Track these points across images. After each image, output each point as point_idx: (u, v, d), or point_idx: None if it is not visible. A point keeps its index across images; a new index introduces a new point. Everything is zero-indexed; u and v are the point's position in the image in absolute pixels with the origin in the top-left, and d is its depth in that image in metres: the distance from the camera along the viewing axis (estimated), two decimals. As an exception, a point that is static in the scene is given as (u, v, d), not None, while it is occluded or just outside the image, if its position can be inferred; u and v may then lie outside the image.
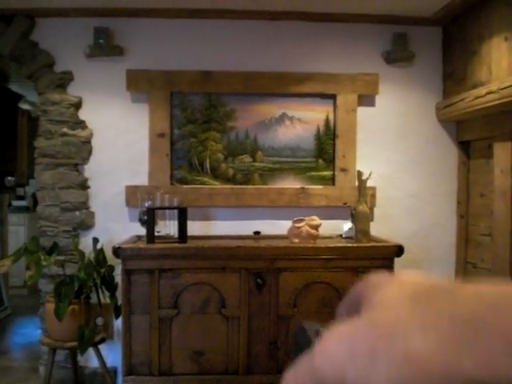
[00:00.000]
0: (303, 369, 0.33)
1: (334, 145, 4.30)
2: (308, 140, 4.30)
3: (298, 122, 4.29)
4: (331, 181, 4.31)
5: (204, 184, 4.25)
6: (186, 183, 4.23)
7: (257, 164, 4.30)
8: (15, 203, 8.34)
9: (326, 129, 4.30)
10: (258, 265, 3.54)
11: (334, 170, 4.30)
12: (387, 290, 0.35)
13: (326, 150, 4.31)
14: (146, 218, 3.72)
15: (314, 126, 4.29)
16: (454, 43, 4.21)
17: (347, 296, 0.41)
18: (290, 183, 4.30)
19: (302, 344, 0.40)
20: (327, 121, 4.29)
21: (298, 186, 4.25)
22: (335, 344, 0.32)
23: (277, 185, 4.29)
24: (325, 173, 4.31)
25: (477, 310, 0.29)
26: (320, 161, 4.31)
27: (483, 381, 0.27)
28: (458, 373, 0.28)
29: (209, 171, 4.27)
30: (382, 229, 4.21)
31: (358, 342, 0.31)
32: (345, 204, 4.16)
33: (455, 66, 4.18)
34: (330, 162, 4.31)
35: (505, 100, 3.33)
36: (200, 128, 4.24)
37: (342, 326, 0.33)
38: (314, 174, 4.31)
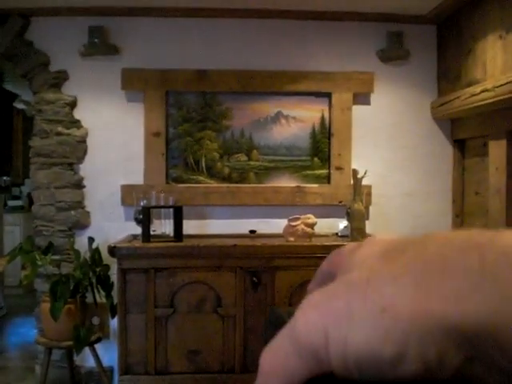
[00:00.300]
0: (283, 342, 0.33)
1: (329, 143, 4.30)
2: (303, 138, 4.30)
3: (294, 121, 4.29)
4: (326, 179, 4.31)
5: (199, 183, 4.25)
6: (182, 182, 4.23)
7: (252, 163, 4.30)
8: (11, 203, 8.33)
9: (321, 127, 4.30)
10: (254, 263, 3.54)
11: (329, 169, 4.30)
12: (359, 253, 0.35)
13: (322, 148, 4.31)
14: (141, 217, 3.72)
15: (310, 125, 4.30)
16: (448, 41, 4.22)
17: (317, 272, 0.42)
18: (286, 182, 4.30)
19: (276, 325, 0.39)
20: (322, 119, 4.29)
21: (294, 185, 4.25)
22: (314, 310, 0.32)
23: (272, 183, 4.29)
24: (320, 171, 4.32)
25: (444, 253, 0.30)
26: (315, 159, 4.31)
27: (453, 321, 0.28)
28: (428, 317, 0.28)
29: (204, 170, 4.27)
30: (377, 227, 4.21)
31: (334, 304, 0.31)
32: (340, 202, 4.16)
33: (450, 64, 4.19)
34: (326, 160, 4.31)
35: (500, 98, 3.33)
36: (195, 127, 4.24)
37: (317, 292, 0.33)
38: (309, 172, 4.31)
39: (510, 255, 0.27)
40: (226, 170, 4.28)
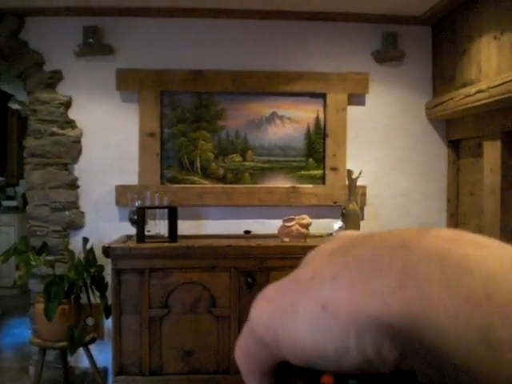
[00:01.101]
0: (245, 332, 0.35)
1: (324, 144, 4.30)
2: (298, 139, 4.30)
3: (289, 121, 4.29)
4: (321, 180, 4.31)
5: (194, 183, 4.24)
6: (177, 182, 4.23)
7: (247, 163, 4.30)
8: (5, 203, 8.31)
9: (316, 128, 4.30)
10: (249, 264, 3.54)
11: (324, 169, 4.30)
12: (317, 249, 0.37)
13: (317, 148, 4.31)
14: (136, 217, 3.71)
15: (304, 125, 4.30)
16: (443, 42, 4.23)
17: None
18: (281, 182, 4.30)
19: None
20: (317, 120, 4.30)
21: (289, 185, 4.25)
22: (265, 305, 0.34)
23: (267, 184, 4.29)
24: (315, 172, 4.32)
25: (377, 253, 0.31)
26: (310, 160, 4.32)
27: (382, 318, 0.29)
28: (363, 314, 0.29)
29: (199, 170, 4.26)
30: (372, 227, 4.21)
31: (282, 300, 0.33)
32: (335, 203, 4.16)
33: (445, 64, 4.20)
34: (321, 161, 4.31)
35: (494, 99, 3.34)
36: (190, 127, 4.24)
37: (272, 285, 0.35)
38: (304, 173, 4.31)
39: (430, 257, 0.29)
40: (221, 171, 4.28)
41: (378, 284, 0.29)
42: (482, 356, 0.26)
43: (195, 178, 4.25)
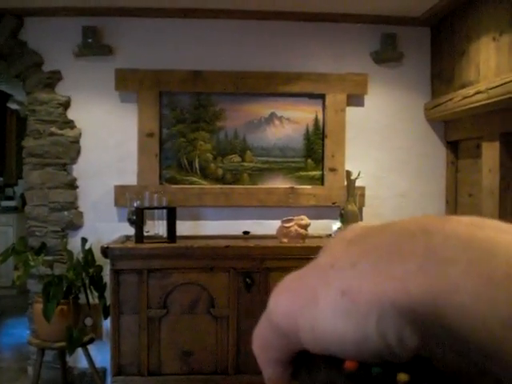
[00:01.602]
0: (264, 325, 0.35)
1: (322, 145, 4.31)
2: (297, 140, 4.30)
3: (287, 122, 4.29)
4: (320, 180, 4.31)
5: (193, 184, 4.24)
6: (175, 183, 4.23)
7: (246, 164, 4.30)
8: (4, 203, 8.30)
9: (315, 128, 4.30)
10: (247, 264, 3.54)
11: (322, 170, 4.31)
12: (335, 238, 0.37)
13: (315, 149, 4.31)
14: (134, 217, 3.71)
15: (303, 126, 4.30)
16: (442, 43, 4.23)
17: None
18: (280, 183, 4.30)
19: None
20: (316, 120, 4.30)
21: (288, 186, 4.25)
22: (284, 294, 0.34)
23: (266, 185, 4.29)
24: (314, 172, 4.32)
25: (398, 238, 0.31)
26: (309, 161, 4.32)
27: (403, 302, 0.29)
28: (383, 299, 0.29)
29: (198, 171, 4.26)
30: (370, 228, 4.21)
31: (301, 288, 0.33)
32: (334, 204, 4.16)
33: (443, 66, 4.20)
34: (319, 161, 4.32)
35: (493, 100, 3.34)
36: (189, 128, 4.24)
37: (291, 275, 0.35)
38: (303, 173, 4.32)
39: (452, 240, 0.29)
40: (220, 171, 4.28)
41: (399, 269, 0.29)
42: (506, 337, 0.26)
43: (194, 179, 4.25)
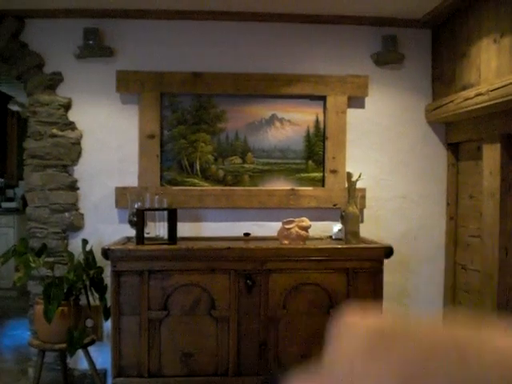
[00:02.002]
0: None
1: (323, 146, 4.31)
2: (298, 141, 4.31)
3: (288, 124, 4.30)
4: (321, 182, 4.31)
5: (194, 185, 4.24)
6: (176, 184, 4.23)
7: (247, 165, 4.30)
8: (5, 205, 8.31)
9: (315, 130, 4.30)
10: (248, 266, 3.54)
11: (323, 172, 4.31)
12: (347, 342, 0.34)
13: (316, 151, 4.31)
14: (135, 219, 3.71)
15: (304, 128, 4.30)
16: (443, 45, 4.23)
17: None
18: (281, 185, 4.30)
19: None
20: (317, 122, 4.30)
21: (288, 188, 4.25)
22: None
23: (267, 186, 4.29)
24: (315, 174, 4.32)
25: (426, 354, 0.29)
26: (310, 162, 4.32)
27: None
28: None
29: (199, 172, 4.27)
30: (371, 230, 4.22)
31: None
32: (334, 205, 4.17)
33: (444, 67, 4.20)
34: (320, 163, 4.32)
35: (494, 102, 3.34)
36: (190, 129, 4.24)
37: (301, 379, 0.33)
38: (303, 175, 4.32)
39: (486, 357, 0.27)
40: (221, 173, 4.28)
41: None
42: None
43: (195, 181, 4.25)
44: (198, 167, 4.26)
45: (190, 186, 4.24)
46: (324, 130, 4.31)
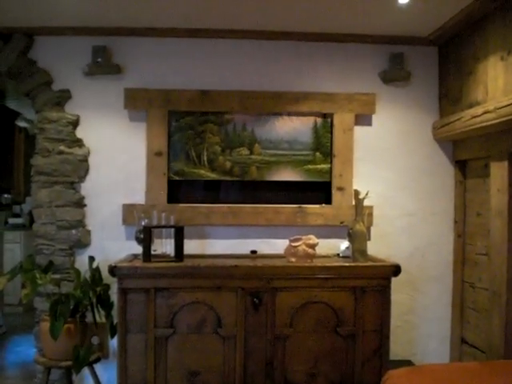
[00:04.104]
0: None
1: (331, 164, 4.30)
2: (305, 133, 4.31)
3: (296, 115, 4.30)
4: (328, 174, 4.31)
5: (201, 176, 4.25)
6: (183, 175, 4.23)
7: (254, 157, 4.30)
8: (11, 221, 8.33)
9: (323, 122, 4.30)
10: (255, 284, 3.53)
11: (331, 162, 4.30)
12: None
13: (324, 143, 4.31)
14: (142, 236, 3.71)
15: (312, 119, 4.30)
16: (449, 63, 4.24)
17: None
18: (288, 176, 4.30)
19: None
20: (324, 115, 4.30)
21: (295, 205, 4.24)
22: None
23: (274, 177, 4.30)
24: (322, 166, 4.31)
25: None
26: (317, 154, 4.31)
27: None
28: None
29: (206, 163, 4.26)
30: (379, 248, 4.20)
31: None
32: (342, 223, 4.15)
33: (451, 85, 4.20)
34: (328, 155, 4.31)
35: (501, 119, 3.33)
36: (197, 120, 4.24)
37: None
38: (311, 167, 4.31)
39: None
40: (228, 164, 4.28)
41: None
42: None
43: (202, 171, 4.25)
44: (205, 158, 4.26)
45: (196, 176, 4.25)
46: (331, 148, 4.30)
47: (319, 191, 4.35)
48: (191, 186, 4.31)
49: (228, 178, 4.30)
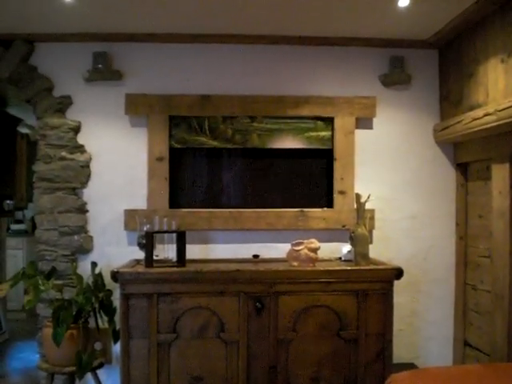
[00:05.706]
0: None
1: (332, 168, 4.30)
2: None
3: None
4: (330, 141, 4.32)
5: (202, 144, 4.27)
6: (184, 143, 4.25)
7: (255, 124, 4.30)
8: (14, 227, 8.34)
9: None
10: (257, 288, 3.53)
11: (332, 131, 4.31)
12: None
13: None
14: (144, 241, 3.71)
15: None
16: (450, 65, 4.24)
17: None
18: (289, 143, 4.32)
19: None
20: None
21: (297, 210, 4.24)
22: None
23: (275, 145, 4.32)
24: (324, 133, 4.32)
25: None
26: (319, 121, 4.32)
27: None
28: None
29: (207, 132, 4.27)
30: (381, 251, 4.20)
31: None
32: (343, 227, 4.15)
33: (452, 87, 4.20)
34: (329, 122, 4.32)
35: (502, 122, 3.33)
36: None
37: None
38: (312, 134, 4.32)
39: None
40: (229, 132, 4.28)
41: None
42: None
43: (203, 139, 4.26)
44: (206, 126, 4.27)
45: (198, 144, 4.26)
46: (332, 152, 4.31)
47: (321, 158, 4.39)
48: (193, 155, 4.33)
49: (229, 146, 4.30)
